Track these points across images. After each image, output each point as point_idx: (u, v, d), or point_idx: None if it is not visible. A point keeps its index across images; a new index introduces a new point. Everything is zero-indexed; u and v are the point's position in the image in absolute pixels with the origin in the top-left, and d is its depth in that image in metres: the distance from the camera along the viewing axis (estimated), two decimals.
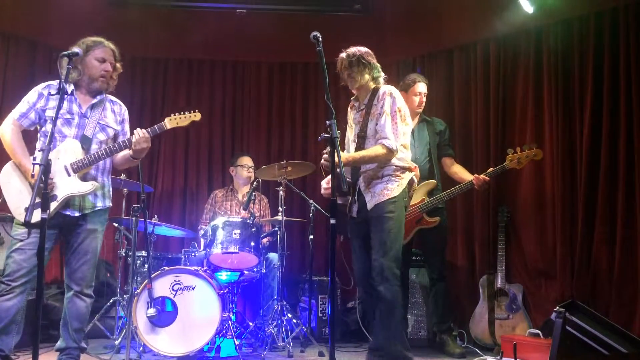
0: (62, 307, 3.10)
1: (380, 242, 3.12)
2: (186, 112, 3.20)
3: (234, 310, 4.10)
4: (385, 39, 5.24)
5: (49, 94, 3.03)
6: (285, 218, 4.13)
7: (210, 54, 5.53)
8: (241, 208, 4.61)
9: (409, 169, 3.28)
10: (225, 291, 3.87)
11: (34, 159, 2.84)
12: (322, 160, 3.07)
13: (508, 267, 4.24)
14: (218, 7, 5.07)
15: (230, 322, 3.70)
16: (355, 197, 3.30)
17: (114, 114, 3.22)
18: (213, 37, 5.28)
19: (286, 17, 5.14)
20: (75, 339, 3.03)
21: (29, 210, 2.32)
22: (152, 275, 3.50)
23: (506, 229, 4.27)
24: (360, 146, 3.26)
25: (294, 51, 5.39)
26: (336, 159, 2.40)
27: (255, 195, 4.50)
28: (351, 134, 3.43)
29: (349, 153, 3.26)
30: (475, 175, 4.01)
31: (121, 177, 3.98)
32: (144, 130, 3.06)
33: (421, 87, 4.18)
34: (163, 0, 5.04)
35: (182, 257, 4.19)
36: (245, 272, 4.07)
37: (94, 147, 3.07)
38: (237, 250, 3.81)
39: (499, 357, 3.61)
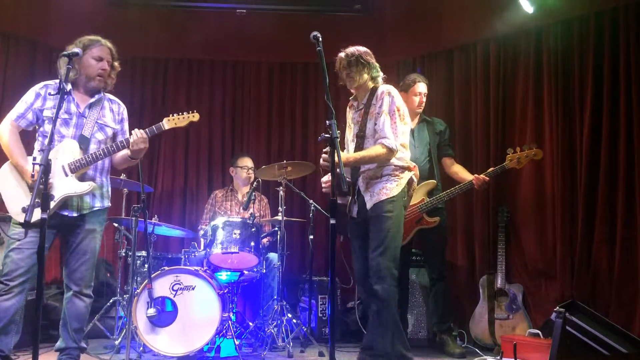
0: (62, 307, 3.10)
1: (378, 241, 3.11)
2: (184, 113, 3.19)
3: (234, 310, 4.10)
4: (385, 39, 5.24)
5: (48, 93, 3.02)
6: (285, 218, 4.13)
7: (210, 54, 5.53)
8: (241, 208, 4.61)
9: (408, 169, 3.28)
10: (225, 291, 3.87)
11: (34, 159, 2.84)
12: (322, 161, 3.07)
13: (508, 267, 4.24)
14: (218, 7, 5.07)
15: (230, 322, 3.70)
16: (355, 197, 3.29)
17: (113, 113, 3.21)
18: (213, 37, 5.28)
19: (286, 17, 5.14)
20: (75, 339, 3.03)
21: (29, 210, 2.32)
22: (152, 275, 3.50)
23: (506, 229, 4.28)
24: (359, 146, 3.26)
25: (294, 51, 5.39)
26: (336, 159, 2.40)
27: (255, 195, 4.51)
28: (350, 133, 3.43)
29: (349, 153, 3.26)
30: (475, 175, 4.02)
31: (121, 177, 3.97)
32: (141, 131, 3.05)
33: (421, 87, 4.19)
34: (163, 0, 5.03)
35: (182, 257, 4.19)
36: (245, 272, 4.07)
37: (93, 146, 3.07)
38: (237, 250, 3.81)
39: (499, 357, 3.61)
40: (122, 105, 3.29)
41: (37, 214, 2.38)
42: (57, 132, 2.98)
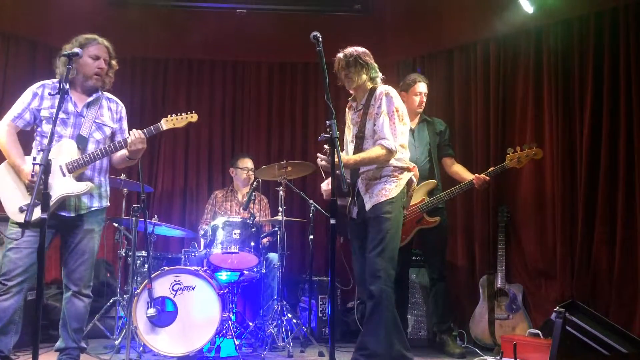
0: (61, 307, 3.10)
1: (376, 241, 3.10)
2: (183, 113, 3.18)
3: (234, 310, 4.10)
4: (385, 39, 5.24)
5: (49, 94, 3.01)
6: (285, 218, 4.13)
7: (210, 54, 5.53)
8: (241, 208, 4.61)
9: (408, 169, 3.26)
10: (225, 291, 3.87)
11: (34, 159, 2.84)
12: (319, 161, 3.06)
13: (508, 267, 4.24)
14: (218, 7, 5.07)
15: (230, 322, 3.70)
16: (355, 199, 3.29)
17: (111, 111, 3.20)
18: (213, 37, 5.28)
19: (286, 17, 5.14)
20: (75, 339, 3.03)
21: (30, 209, 2.32)
22: (152, 275, 3.50)
23: (506, 228, 4.28)
24: (358, 147, 3.25)
25: (294, 51, 5.39)
26: (336, 159, 2.40)
27: (255, 195, 4.51)
28: (349, 134, 3.42)
29: (349, 155, 3.24)
30: (476, 174, 4.02)
31: (121, 177, 3.97)
32: (139, 131, 3.04)
33: (421, 87, 4.19)
34: (163, 0, 5.03)
35: (182, 257, 4.19)
36: (245, 272, 4.06)
37: (91, 146, 3.06)
38: (237, 250, 3.81)
39: (499, 357, 3.61)
40: (121, 104, 3.27)
41: (35, 214, 2.38)
42: (54, 132, 2.97)
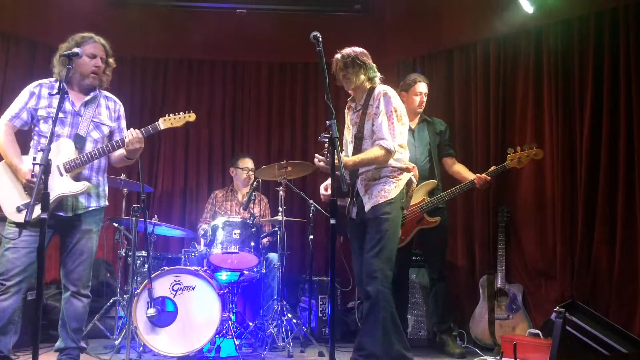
0: (61, 307, 3.10)
1: (374, 242, 3.09)
2: (181, 113, 3.16)
3: (234, 310, 4.10)
4: (385, 39, 5.24)
5: (48, 94, 3.01)
6: (285, 218, 4.13)
7: (210, 54, 5.53)
8: (241, 208, 4.61)
9: (407, 170, 3.25)
10: (225, 291, 3.87)
11: (34, 159, 2.84)
12: (316, 162, 3.05)
13: (508, 267, 4.24)
14: (218, 7, 5.07)
15: (230, 322, 3.70)
16: (354, 199, 3.28)
17: (109, 110, 3.18)
18: (213, 37, 5.28)
19: (286, 17, 5.14)
20: (74, 339, 3.03)
21: (30, 209, 2.32)
22: (152, 275, 3.50)
23: (506, 228, 4.27)
24: (357, 147, 3.24)
25: (294, 51, 5.38)
26: (336, 159, 2.40)
27: (255, 195, 4.50)
28: (349, 135, 3.41)
29: (348, 157, 3.23)
30: (477, 174, 4.02)
31: (121, 177, 3.97)
32: (137, 131, 3.03)
33: (422, 87, 4.19)
34: (163, 0, 5.03)
35: (182, 257, 4.18)
36: (245, 272, 4.06)
37: (89, 145, 3.05)
38: (237, 250, 3.81)
39: (499, 357, 3.61)
40: (119, 103, 3.26)
41: (34, 213, 2.38)
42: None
